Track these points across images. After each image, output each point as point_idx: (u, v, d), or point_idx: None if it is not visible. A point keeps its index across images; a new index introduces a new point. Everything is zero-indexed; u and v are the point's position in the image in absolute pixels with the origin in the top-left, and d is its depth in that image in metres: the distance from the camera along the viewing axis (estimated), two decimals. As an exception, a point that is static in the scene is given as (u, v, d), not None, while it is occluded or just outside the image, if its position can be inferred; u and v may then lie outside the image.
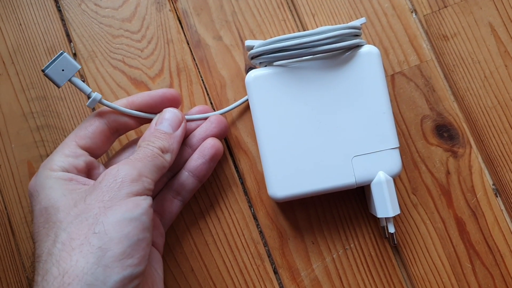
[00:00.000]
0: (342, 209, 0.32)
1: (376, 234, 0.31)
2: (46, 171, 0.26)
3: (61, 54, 0.27)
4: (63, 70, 0.27)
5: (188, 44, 0.34)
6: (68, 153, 0.27)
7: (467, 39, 0.33)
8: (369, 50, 0.29)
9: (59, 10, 0.35)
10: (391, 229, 0.29)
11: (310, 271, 0.31)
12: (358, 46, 0.29)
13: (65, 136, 0.33)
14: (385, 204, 0.27)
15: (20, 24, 0.35)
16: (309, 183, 0.28)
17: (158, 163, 0.26)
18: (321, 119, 0.28)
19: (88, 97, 0.28)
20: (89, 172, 0.27)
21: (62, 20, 0.35)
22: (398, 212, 0.28)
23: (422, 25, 0.33)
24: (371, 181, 0.28)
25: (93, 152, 0.28)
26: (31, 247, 0.32)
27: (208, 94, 0.33)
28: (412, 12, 0.33)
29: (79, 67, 0.27)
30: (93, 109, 0.33)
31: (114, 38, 0.34)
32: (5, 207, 0.33)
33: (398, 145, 0.28)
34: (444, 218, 0.31)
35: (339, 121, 0.28)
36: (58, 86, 0.27)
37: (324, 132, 0.28)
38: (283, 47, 0.28)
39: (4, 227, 0.33)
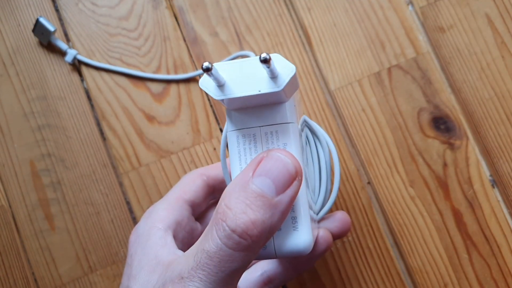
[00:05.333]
0: (339, 201, 0.32)
1: (374, 227, 0.32)
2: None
3: (37, 19, 0.33)
4: (42, 33, 0.34)
5: (184, 41, 0.34)
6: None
7: (463, 30, 0.32)
8: None
9: (57, 10, 0.35)
10: None
11: (308, 264, 0.32)
12: None
13: (66, 136, 0.34)
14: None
15: (19, 25, 0.35)
16: None
17: (230, 268, 0.18)
18: None
19: (66, 53, 0.34)
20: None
21: (60, 20, 0.35)
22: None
23: (418, 17, 0.33)
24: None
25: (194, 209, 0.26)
26: (36, 244, 0.33)
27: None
28: (408, 4, 0.33)
29: (53, 29, 0.33)
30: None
31: (111, 37, 0.35)
32: (10, 206, 0.34)
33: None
34: (441, 210, 0.31)
35: None
36: (44, 45, 0.35)
37: None
38: None
39: (9, 225, 0.33)
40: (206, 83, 0.20)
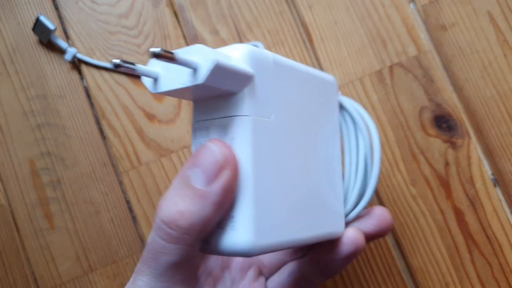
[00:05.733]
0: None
1: (375, 226, 0.32)
2: None
3: (38, 18, 0.33)
4: (42, 32, 0.33)
5: (185, 39, 0.34)
6: None
7: (465, 29, 0.32)
8: None
9: (57, 8, 0.35)
10: None
11: (309, 263, 0.32)
12: None
13: (66, 134, 0.34)
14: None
15: (19, 23, 0.35)
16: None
17: (166, 260, 0.18)
18: None
19: (65, 51, 0.34)
20: None
21: (60, 18, 0.35)
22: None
23: (420, 15, 0.33)
24: None
25: None
26: (36, 243, 0.33)
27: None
28: (409, 2, 0.33)
29: (53, 27, 0.33)
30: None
31: (111, 35, 0.34)
32: (9, 204, 0.34)
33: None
34: (443, 209, 0.31)
35: None
36: (44, 43, 0.34)
37: None
38: None
39: (8, 224, 0.33)
40: (145, 78, 0.19)
